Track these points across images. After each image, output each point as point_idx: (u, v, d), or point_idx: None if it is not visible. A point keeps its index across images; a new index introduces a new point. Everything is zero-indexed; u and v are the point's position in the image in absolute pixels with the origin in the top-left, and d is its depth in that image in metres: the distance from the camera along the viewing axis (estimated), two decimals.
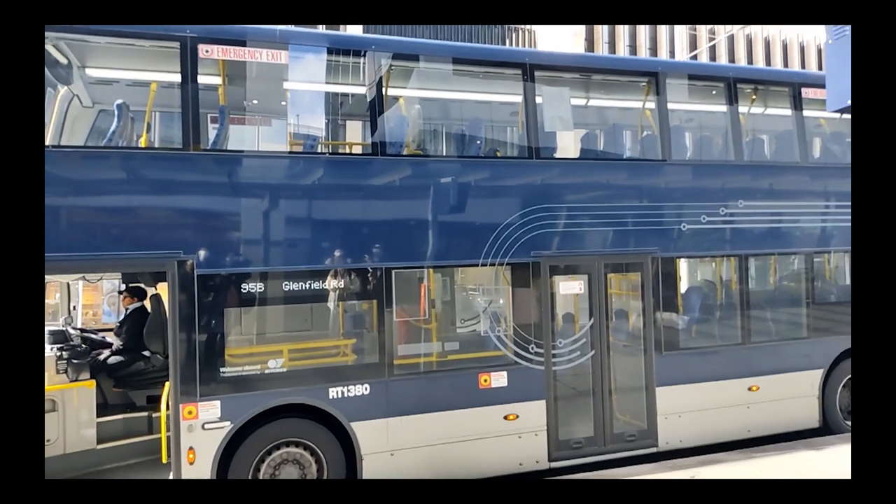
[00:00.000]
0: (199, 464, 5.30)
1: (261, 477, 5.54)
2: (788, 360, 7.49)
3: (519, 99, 6.86)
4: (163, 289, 6.77)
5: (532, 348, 6.41)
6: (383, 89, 6.24)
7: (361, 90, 6.44)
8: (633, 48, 38.03)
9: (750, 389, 7.29)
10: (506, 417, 6.27)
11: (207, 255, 5.43)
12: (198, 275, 5.38)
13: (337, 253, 5.87)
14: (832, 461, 6.39)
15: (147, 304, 7.77)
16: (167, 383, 5.42)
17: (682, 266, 7.52)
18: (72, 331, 7.82)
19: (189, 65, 5.47)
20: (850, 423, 7.84)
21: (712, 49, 36.03)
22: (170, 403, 5.35)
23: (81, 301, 11.82)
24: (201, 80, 5.65)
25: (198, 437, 5.32)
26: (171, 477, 5.35)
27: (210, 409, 5.36)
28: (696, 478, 5.72)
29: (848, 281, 8.37)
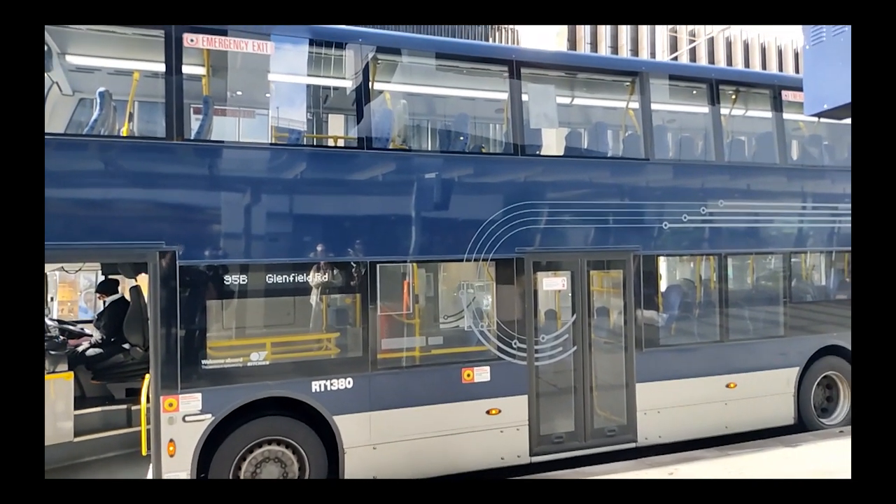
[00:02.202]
0: (179, 456, 5.26)
1: (242, 474, 5.51)
2: (765, 358, 7.62)
3: (505, 96, 6.88)
4: (143, 280, 6.69)
5: (515, 344, 6.45)
6: (369, 83, 6.23)
7: (347, 83, 6.41)
8: (615, 48, 38.31)
9: (728, 386, 7.40)
10: (488, 412, 6.31)
11: (189, 246, 5.38)
12: (179, 266, 5.32)
13: (321, 246, 5.85)
14: (806, 458, 6.51)
15: (127, 295, 7.67)
16: (147, 375, 5.37)
17: (663, 264, 7.62)
18: (49, 322, 7.70)
19: (174, 54, 5.41)
20: (823, 420, 8.03)
21: (692, 51, 36.40)
22: (150, 395, 5.30)
23: (58, 297, 11.66)
24: (185, 69, 5.58)
25: (178, 429, 5.27)
26: (150, 469, 5.30)
27: (191, 402, 5.31)
28: (685, 478, 5.75)
29: (824, 281, 8.55)
